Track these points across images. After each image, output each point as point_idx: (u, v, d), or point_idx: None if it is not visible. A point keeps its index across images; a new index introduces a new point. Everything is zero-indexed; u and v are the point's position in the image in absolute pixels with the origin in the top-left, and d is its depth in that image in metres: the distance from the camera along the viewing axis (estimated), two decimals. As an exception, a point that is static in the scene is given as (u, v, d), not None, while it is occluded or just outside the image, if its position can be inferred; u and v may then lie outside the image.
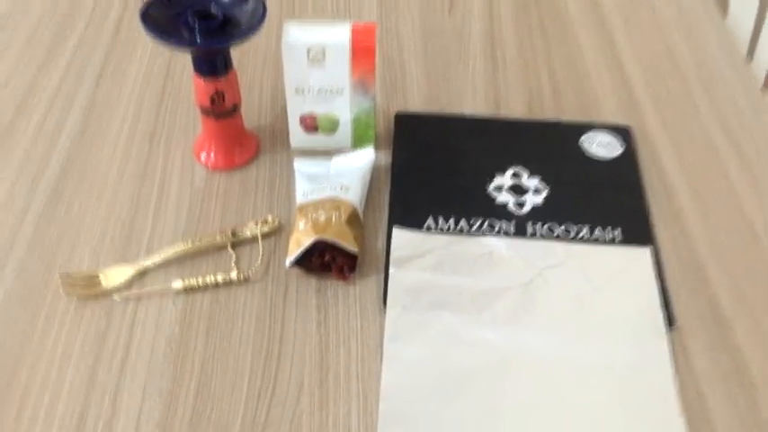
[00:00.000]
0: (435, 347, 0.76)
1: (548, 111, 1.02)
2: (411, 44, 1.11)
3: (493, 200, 0.89)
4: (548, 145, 0.95)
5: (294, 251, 0.81)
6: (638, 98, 1.03)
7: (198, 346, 0.77)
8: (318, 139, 0.95)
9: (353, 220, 0.84)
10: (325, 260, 0.81)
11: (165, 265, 0.84)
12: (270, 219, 0.87)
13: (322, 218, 0.82)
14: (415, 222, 0.87)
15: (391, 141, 0.97)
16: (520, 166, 0.93)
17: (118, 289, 0.82)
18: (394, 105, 1.02)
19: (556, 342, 0.76)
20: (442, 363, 0.75)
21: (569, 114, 1.01)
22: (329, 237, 0.80)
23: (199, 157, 0.94)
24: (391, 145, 0.96)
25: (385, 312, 0.80)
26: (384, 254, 0.85)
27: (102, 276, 0.83)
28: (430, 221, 0.87)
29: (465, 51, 1.11)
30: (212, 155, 0.93)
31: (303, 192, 0.87)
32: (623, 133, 0.97)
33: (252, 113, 1.01)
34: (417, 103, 1.02)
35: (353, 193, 0.86)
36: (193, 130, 0.98)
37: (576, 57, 1.10)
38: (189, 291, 0.82)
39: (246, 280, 0.83)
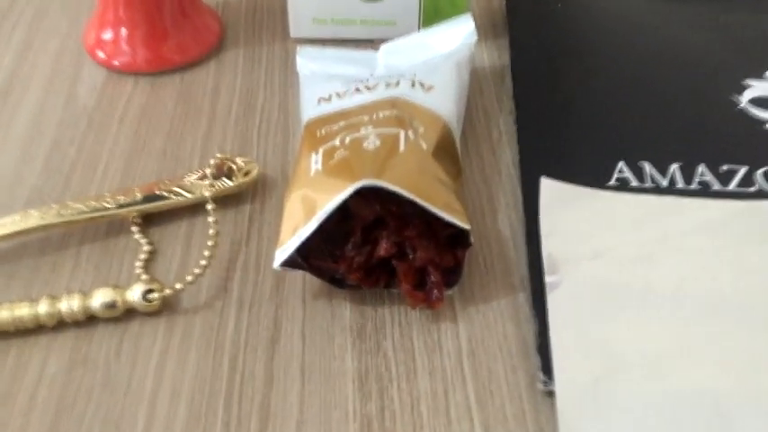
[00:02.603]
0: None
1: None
2: None
3: (759, 125, 0.39)
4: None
5: (296, 229, 0.30)
6: None
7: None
8: (349, 11, 0.44)
9: (448, 152, 0.33)
10: (376, 252, 0.31)
11: (-35, 267, 0.33)
12: (238, 164, 0.37)
13: (371, 141, 0.31)
14: (584, 173, 0.36)
15: (498, 20, 0.47)
16: (793, 65, 0.42)
17: None
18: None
19: None
20: None
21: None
22: (395, 184, 0.29)
23: (93, 52, 0.44)
24: (499, 25, 0.46)
25: (553, 400, 0.29)
26: (522, 243, 0.34)
27: None
28: (622, 171, 0.36)
29: None
30: (123, 43, 0.43)
31: (317, 95, 0.37)
32: None
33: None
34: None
35: (443, 99, 0.35)
36: (88, 6, 0.48)
37: None
38: (10, 334, 0.31)
39: (168, 307, 0.32)
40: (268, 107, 0.41)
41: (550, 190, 0.35)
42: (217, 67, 0.44)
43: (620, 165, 0.36)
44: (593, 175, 0.36)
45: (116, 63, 0.43)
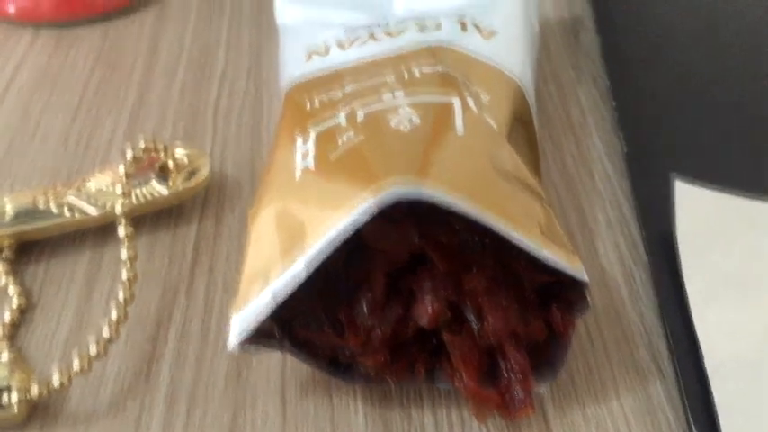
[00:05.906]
0: None
1: None
2: None
3: None
4: None
5: (267, 277, 0.16)
6: None
7: None
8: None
9: (525, 138, 0.19)
10: (411, 318, 0.17)
11: None
12: (177, 159, 0.23)
13: (404, 116, 0.18)
14: (740, 176, 0.22)
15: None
16: None
17: None
18: None
19: None
20: None
21: None
22: (454, 192, 0.16)
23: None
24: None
25: None
26: (646, 290, 0.20)
27: None
28: (796, 169, 0.23)
29: None
30: (14, -23, 0.29)
31: (307, 49, 0.23)
32: None
33: None
34: None
35: (511, 50, 0.21)
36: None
37: None
38: None
39: (40, 413, 0.18)
40: (231, 74, 0.28)
41: (693, 200, 0.21)
42: (158, 17, 0.30)
43: (798, 159, 0.23)
44: (757, 180, 0.22)
45: (10, 9, 0.29)
